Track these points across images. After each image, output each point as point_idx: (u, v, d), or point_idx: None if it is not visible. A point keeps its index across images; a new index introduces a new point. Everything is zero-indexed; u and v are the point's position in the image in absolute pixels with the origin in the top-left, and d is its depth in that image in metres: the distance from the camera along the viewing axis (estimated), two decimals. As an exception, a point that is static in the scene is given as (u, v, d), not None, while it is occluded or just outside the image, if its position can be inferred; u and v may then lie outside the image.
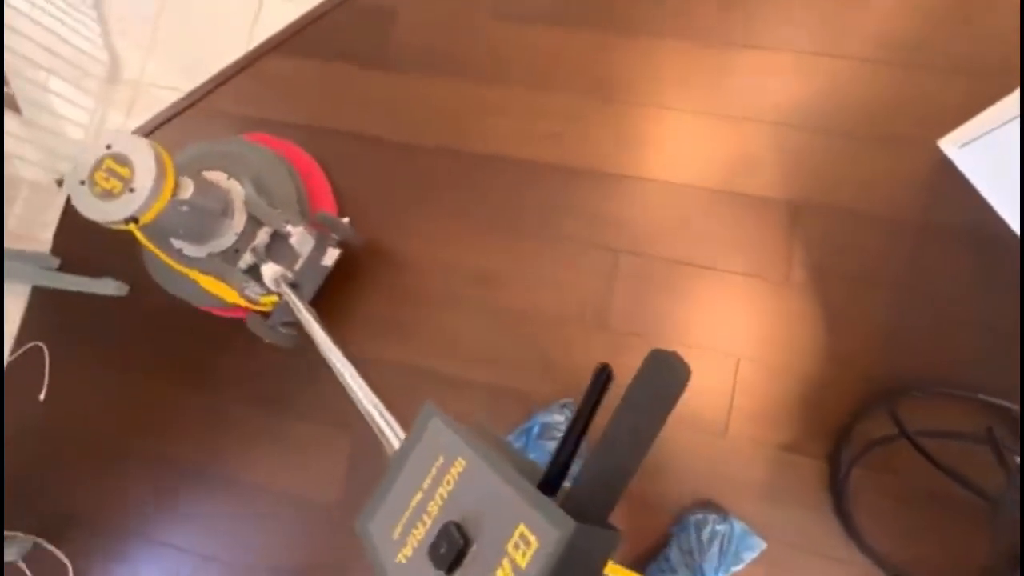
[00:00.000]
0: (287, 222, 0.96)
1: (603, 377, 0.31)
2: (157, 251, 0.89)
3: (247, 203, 0.98)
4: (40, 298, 1.22)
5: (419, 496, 0.31)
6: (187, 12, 1.31)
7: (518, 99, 1.15)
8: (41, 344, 1.20)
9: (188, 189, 0.87)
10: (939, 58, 1.03)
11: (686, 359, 1.05)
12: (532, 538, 0.26)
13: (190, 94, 1.25)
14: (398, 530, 0.31)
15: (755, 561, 0.93)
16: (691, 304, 1.03)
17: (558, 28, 1.16)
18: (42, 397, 1.18)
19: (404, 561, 0.30)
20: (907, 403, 0.92)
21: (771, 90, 1.07)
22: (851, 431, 0.93)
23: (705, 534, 0.91)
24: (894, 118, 1.03)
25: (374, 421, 0.51)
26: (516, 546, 0.26)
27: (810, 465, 0.96)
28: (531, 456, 0.97)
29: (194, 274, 0.92)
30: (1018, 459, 0.68)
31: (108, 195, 0.80)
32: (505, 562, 0.26)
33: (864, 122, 1.04)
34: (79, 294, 1.16)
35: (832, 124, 1.05)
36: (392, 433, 0.48)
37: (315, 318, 0.75)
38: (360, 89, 1.21)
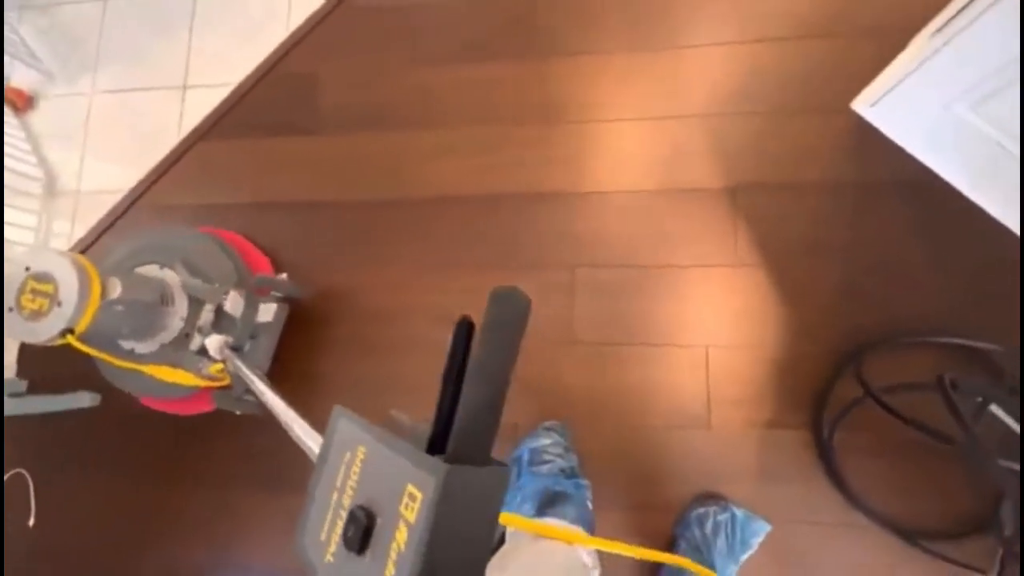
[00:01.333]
0: (226, 294, 0.98)
1: (464, 328, 0.32)
2: (104, 357, 0.89)
3: (184, 286, 0.99)
4: (13, 425, 1.21)
5: (335, 495, 0.32)
6: (114, 114, 1.33)
7: (453, 139, 1.18)
8: (22, 471, 1.18)
9: (116, 289, 0.88)
10: (845, 27, 1.07)
11: (656, 359, 1.07)
12: (417, 493, 0.27)
13: (131, 192, 1.26)
14: (323, 532, 0.32)
15: (763, 543, 0.93)
16: (652, 304, 1.04)
17: (479, 64, 1.20)
18: (31, 523, 1.16)
19: (331, 559, 0.31)
20: (874, 359, 0.94)
21: (693, 85, 1.11)
22: (827, 397, 0.95)
23: (708, 527, 0.92)
24: (810, 90, 1.07)
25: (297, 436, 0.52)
26: (406, 506, 0.27)
27: (796, 437, 0.97)
28: (528, 486, 0.97)
29: (149, 368, 0.92)
30: (979, 399, 0.70)
31: (37, 315, 0.81)
32: (400, 524, 0.27)
33: (784, 98, 1.07)
34: (54, 414, 1.15)
35: (754, 106, 1.08)
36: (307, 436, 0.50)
37: (258, 375, 0.75)
38: (297, 157, 1.23)
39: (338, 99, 1.24)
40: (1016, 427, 0.71)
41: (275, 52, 1.26)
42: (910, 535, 0.89)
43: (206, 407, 1.06)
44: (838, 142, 1.04)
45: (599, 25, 1.16)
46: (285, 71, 1.26)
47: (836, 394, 0.95)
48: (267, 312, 1.04)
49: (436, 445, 0.30)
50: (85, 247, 1.27)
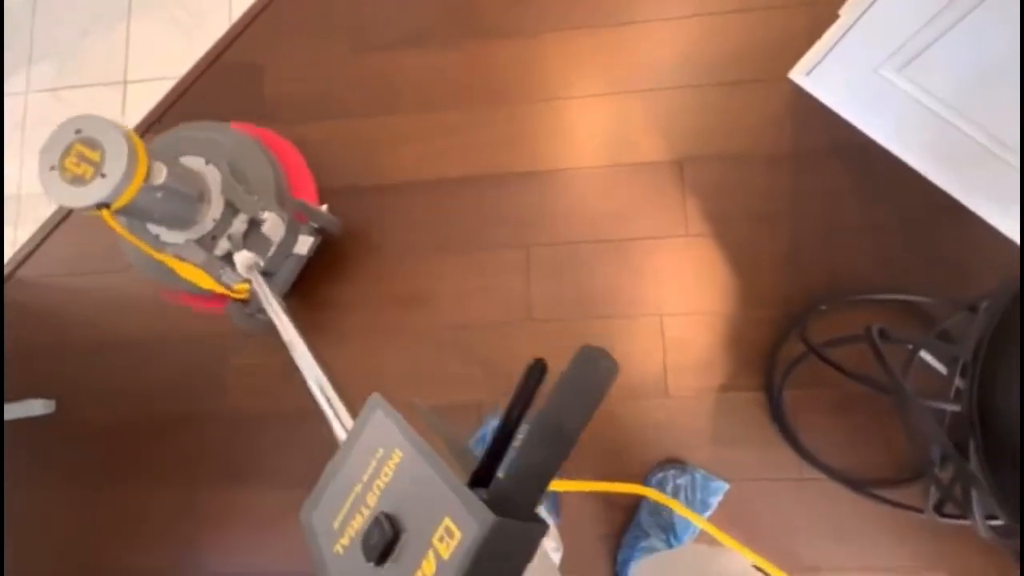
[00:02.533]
0: (263, 209, 0.95)
1: (536, 372, 0.32)
2: (130, 238, 0.86)
3: (223, 189, 0.96)
4: (-36, 437, 1.18)
5: (359, 488, 0.31)
6: (52, 113, 1.28)
7: (402, 125, 1.17)
8: (-25, 483, 1.15)
9: (161, 175, 0.84)
10: (781, -1, 1.10)
11: (612, 331, 1.08)
12: (456, 531, 0.26)
13: (74, 194, 1.22)
14: (338, 520, 0.31)
15: (722, 502, 0.96)
16: (606, 278, 1.06)
17: (423, 49, 1.19)
18: (-11, 537, 1.13)
19: (341, 552, 0.31)
20: (819, 319, 0.98)
21: (635, 61, 1.12)
22: (776, 357, 0.98)
23: (668, 490, 0.94)
24: (750, 61, 1.09)
25: (326, 410, 0.52)
26: (441, 538, 0.27)
27: (749, 399, 1.00)
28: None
29: (170, 261, 0.89)
30: (910, 347, 0.73)
31: (79, 180, 0.78)
32: (430, 554, 0.27)
33: (724, 71, 1.09)
34: (6, 423, 1.12)
35: (696, 79, 1.10)
36: (341, 425, 0.49)
37: (282, 306, 0.74)
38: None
39: (284, 89, 1.22)
40: (943, 370, 0.75)
41: (218, 43, 1.23)
42: (860, 485, 0.93)
43: (218, 310, 1.02)
44: (778, 111, 1.07)
45: (539, 6, 1.17)
46: (229, 62, 1.24)
47: (784, 355, 0.99)
48: (304, 244, 1.01)
49: (480, 479, 0.29)
50: (29, 252, 1.23)
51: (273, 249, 0.97)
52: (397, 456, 0.31)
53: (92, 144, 0.79)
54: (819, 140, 1.05)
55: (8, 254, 1.23)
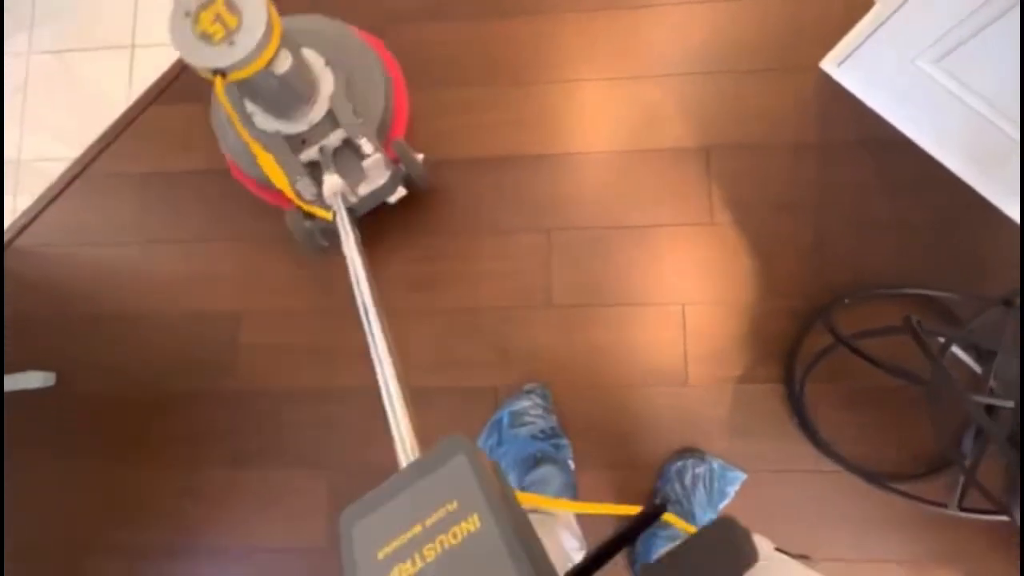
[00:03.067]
0: (363, 135, 0.91)
1: (654, 513, 0.31)
2: (230, 111, 0.84)
3: (333, 97, 0.92)
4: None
5: (418, 530, 0.28)
6: (55, 76, 1.23)
7: (420, 101, 1.14)
8: (-29, 457, 1.11)
9: (285, 64, 0.81)
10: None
11: (633, 319, 1.07)
12: None
13: (77, 162, 1.18)
14: (383, 551, 0.28)
15: (739, 492, 0.96)
16: (627, 265, 1.04)
17: (443, 23, 1.16)
18: (-15, 512, 1.10)
19: None
20: (842, 312, 0.97)
21: (663, 44, 1.10)
22: (798, 350, 0.97)
23: (687, 479, 0.94)
24: (780, 49, 1.07)
25: (377, 367, 0.48)
26: None
27: (769, 390, 1.00)
28: (504, 447, 0.97)
29: (256, 146, 0.87)
30: (942, 340, 0.73)
31: (206, 38, 0.74)
32: None
33: (754, 58, 1.08)
34: (5, 395, 1.08)
35: (726, 65, 1.08)
36: (387, 389, 0.46)
37: (360, 252, 0.69)
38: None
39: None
40: (974, 365, 0.74)
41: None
42: (877, 477, 0.93)
43: (285, 206, 0.97)
44: (808, 102, 1.05)
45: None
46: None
47: (806, 347, 0.98)
48: (398, 195, 0.97)
49: None
50: (28, 220, 1.19)
51: (367, 189, 0.93)
52: (473, 523, 0.27)
53: (234, 8, 0.74)
54: (848, 132, 1.04)
55: (7, 222, 1.19)
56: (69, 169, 1.18)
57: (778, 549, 0.50)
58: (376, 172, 0.93)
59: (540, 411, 0.98)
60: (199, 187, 1.16)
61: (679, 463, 0.95)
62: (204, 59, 0.74)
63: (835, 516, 0.97)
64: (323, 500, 1.06)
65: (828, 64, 1.03)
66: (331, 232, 0.91)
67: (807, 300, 1.00)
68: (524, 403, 0.99)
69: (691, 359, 1.02)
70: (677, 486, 0.94)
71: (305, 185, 0.90)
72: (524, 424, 0.97)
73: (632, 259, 1.05)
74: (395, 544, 0.28)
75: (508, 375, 1.04)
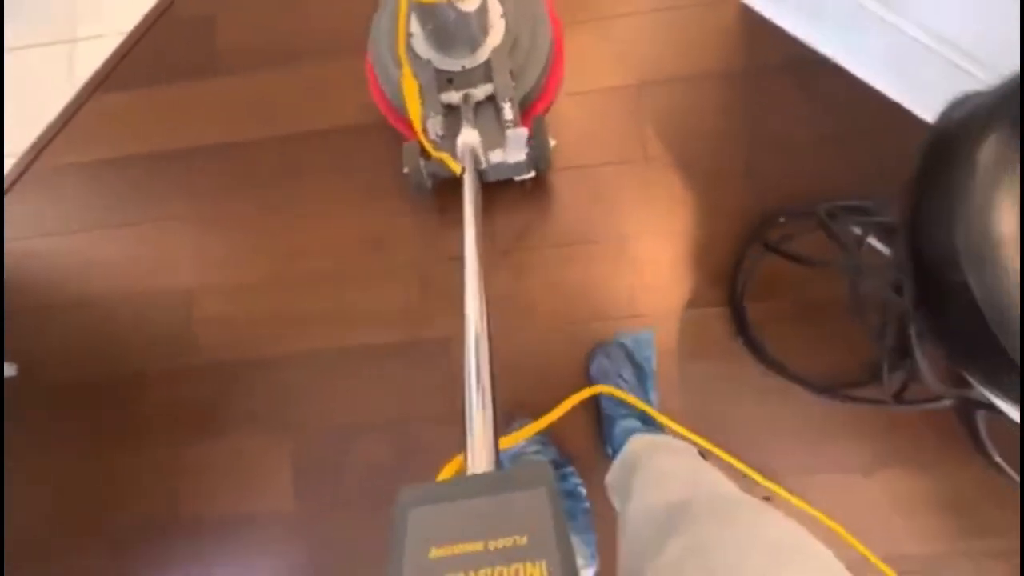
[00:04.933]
0: (509, 100, 0.88)
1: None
2: (401, 25, 0.85)
3: (495, 52, 0.89)
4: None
5: (479, 547, 0.26)
6: (-3, 76, 1.25)
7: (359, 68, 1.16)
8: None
9: (473, 4, 0.80)
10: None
11: (577, 256, 1.08)
12: None
13: (23, 156, 1.20)
14: (437, 552, 0.26)
15: (688, 413, 0.97)
16: (568, 205, 1.07)
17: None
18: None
19: None
20: (779, 230, 0.99)
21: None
22: (738, 271, 1.00)
23: (611, 372, 0.95)
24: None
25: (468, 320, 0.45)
26: None
27: (715, 313, 1.02)
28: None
29: (407, 68, 0.87)
30: (858, 231, 0.75)
31: None
32: None
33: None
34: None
35: (647, 5, 1.11)
36: (475, 348, 0.42)
37: (479, 218, 0.67)
38: (198, 102, 1.19)
39: (238, 38, 1.20)
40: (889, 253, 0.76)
41: (166, -4, 1.21)
42: (821, 387, 0.95)
43: (406, 133, 0.95)
44: (729, 31, 1.08)
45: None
46: (180, 14, 1.22)
47: (746, 268, 1.00)
48: (528, 175, 0.94)
49: None
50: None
51: (499, 157, 0.89)
52: (539, 571, 0.25)
53: None
54: (771, 57, 1.06)
55: (-41, 222, 1.20)
56: (16, 164, 1.20)
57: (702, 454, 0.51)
58: (516, 145, 0.89)
59: (538, 446, 0.96)
60: (144, 171, 1.18)
61: (594, 363, 0.97)
62: None
63: (787, 431, 0.99)
64: (287, 464, 1.07)
65: (745, -6, 1.07)
66: (439, 178, 0.91)
67: (745, 223, 1.03)
68: (520, 443, 0.96)
69: (638, 290, 1.04)
70: (603, 378, 0.95)
71: (435, 124, 0.88)
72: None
73: (572, 199, 1.07)
74: (452, 550, 0.26)
75: (458, 325, 1.06)
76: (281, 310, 1.11)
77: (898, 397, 0.87)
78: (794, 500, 0.90)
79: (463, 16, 0.81)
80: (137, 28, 1.21)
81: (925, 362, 0.58)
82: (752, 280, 0.99)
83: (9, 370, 1.13)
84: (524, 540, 0.26)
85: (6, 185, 1.19)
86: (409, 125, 0.90)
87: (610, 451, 0.94)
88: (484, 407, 0.39)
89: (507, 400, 1.03)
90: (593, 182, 1.07)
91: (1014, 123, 0.46)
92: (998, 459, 0.92)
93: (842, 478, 0.96)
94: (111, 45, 1.20)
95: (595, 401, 0.98)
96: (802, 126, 1.04)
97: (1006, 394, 0.52)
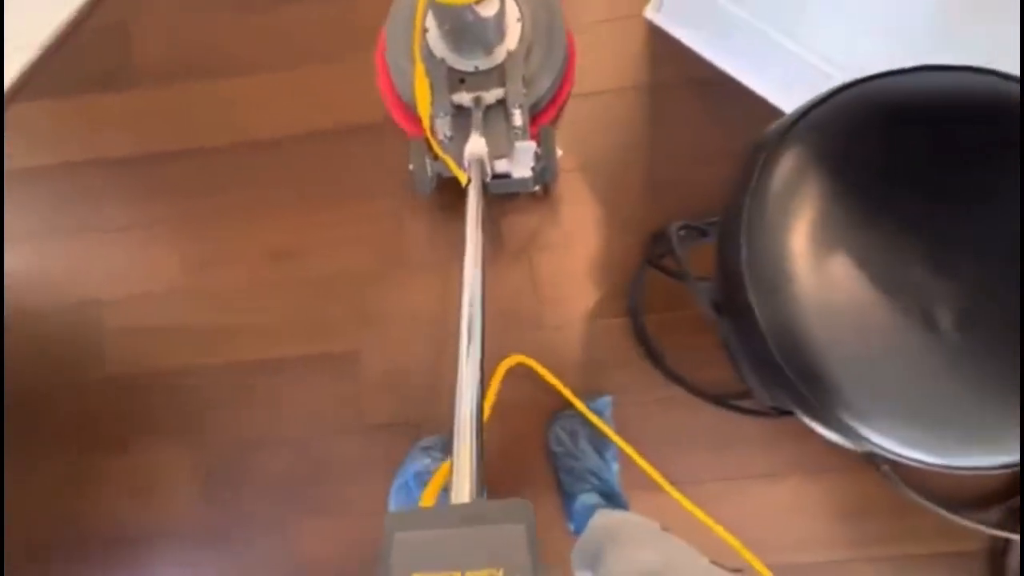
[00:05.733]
0: (520, 106, 0.88)
1: None
2: (418, 27, 0.84)
3: (510, 57, 0.89)
4: None
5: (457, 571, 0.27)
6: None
7: (274, 81, 1.17)
8: None
9: (492, 8, 0.79)
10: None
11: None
12: None
13: (-64, 166, 1.18)
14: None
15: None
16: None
17: (295, 4, 1.19)
18: None
19: None
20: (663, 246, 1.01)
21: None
22: (637, 283, 1.01)
23: (567, 442, 0.95)
24: (606, 1, 1.12)
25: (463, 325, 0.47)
26: None
27: (619, 324, 1.03)
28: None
29: (419, 66, 0.86)
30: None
31: None
32: None
33: (584, 12, 1.11)
34: None
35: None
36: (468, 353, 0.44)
37: (481, 233, 0.68)
38: (112, 112, 1.18)
39: (154, 49, 1.20)
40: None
41: (83, 6, 1.20)
42: (716, 398, 0.97)
43: (407, 129, 0.96)
44: (635, 48, 1.10)
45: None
46: (95, 25, 1.21)
47: (641, 279, 1.02)
48: (531, 188, 0.95)
49: None
50: None
51: (506, 168, 0.90)
52: None
53: None
54: (675, 73, 1.09)
55: None
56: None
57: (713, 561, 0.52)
58: (524, 158, 0.89)
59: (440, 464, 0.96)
60: (59, 181, 1.17)
61: (550, 438, 0.98)
62: None
63: (689, 439, 1.00)
64: (193, 476, 1.06)
65: (650, 12, 1.09)
66: (442, 181, 0.91)
67: (647, 235, 1.04)
68: (424, 460, 0.96)
69: (545, 302, 1.05)
70: (565, 457, 0.95)
71: (444, 124, 0.88)
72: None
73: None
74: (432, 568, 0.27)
75: (371, 339, 1.06)
76: (191, 322, 1.11)
77: (781, 412, 0.89)
78: (688, 506, 0.92)
79: (481, 19, 0.81)
80: (54, 39, 1.20)
81: (750, 374, 0.59)
82: (648, 292, 1.01)
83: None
84: (500, 574, 0.27)
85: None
86: (416, 122, 0.90)
87: (572, 527, 0.94)
88: (472, 442, 0.41)
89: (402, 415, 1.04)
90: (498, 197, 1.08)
91: (804, 147, 0.48)
92: (885, 468, 0.94)
93: (744, 485, 0.98)
94: (27, 57, 1.20)
95: (556, 479, 0.99)
96: (704, 141, 1.06)
97: (803, 412, 0.53)
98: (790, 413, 0.88)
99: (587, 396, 1.00)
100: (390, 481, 1.01)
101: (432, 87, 0.87)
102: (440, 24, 0.88)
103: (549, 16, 0.94)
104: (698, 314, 1.01)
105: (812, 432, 0.99)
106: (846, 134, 0.49)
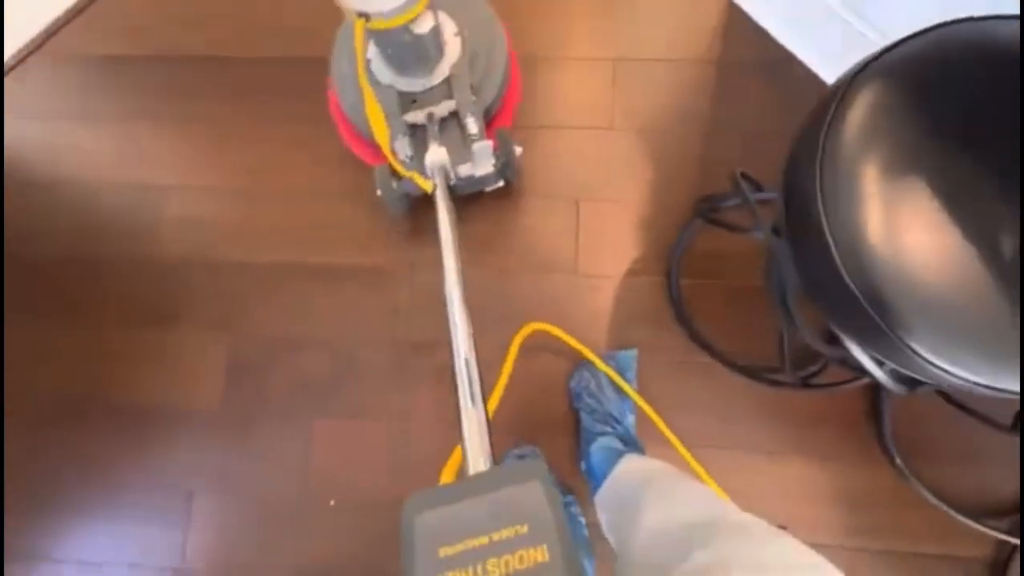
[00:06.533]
0: (473, 114, 0.91)
1: None
2: (359, 52, 0.83)
3: (454, 69, 0.92)
4: None
5: (484, 542, 0.28)
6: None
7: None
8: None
9: (426, 26, 0.81)
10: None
11: (532, 208, 1.12)
12: None
13: (34, 38, 1.25)
14: (445, 551, 0.28)
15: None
16: (532, 159, 1.10)
17: None
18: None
19: None
20: (727, 212, 1.03)
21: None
22: (677, 243, 1.03)
23: (592, 387, 0.97)
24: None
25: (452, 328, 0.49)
26: None
27: (652, 283, 1.05)
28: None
29: (369, 95, 0.86)
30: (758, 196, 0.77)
31: None
32: None
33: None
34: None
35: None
36: (460, 349, 0.46)
37: (455, 232, 0.69)
38: (199, 10, 1.24)
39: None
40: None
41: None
42: (738, 366, 0.98)
43: (370, 160, 0.98)
44: (711, 23, 1.13)
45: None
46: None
47: (684, 242, 1.03)
48: (496, 185, 0.96)
49: None
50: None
51: (467, 172, 0.92)
52: (542, 553, 0.27)
53: None
54: (745, 52, 1.11)
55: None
56: (24, 46, 1.26)
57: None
58: (483, 158, 0.91)
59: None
60: (146, 72, 1.23)
61: (573, 379, 1.00)
62: (354, 1, 0.76)
63: (701, 404, 1.01)
64: (221, 365, 1.10)
65: (732, -11, 1.11)
66: (413, 197, 0.94)
67: (692, 201, 1.06)
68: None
69: (582, 250, 1.07)
70: (588, 399, 0.97)
71: (403, 145, 0.90)
72: None
73: (534, 156, 1.11)
74: (459, 547, 0.28)
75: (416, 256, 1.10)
76: (247, 222, 1.15)
77: (805, 382, 0.90)
78: (695, 466, 0.92)
79: (418, 38, 0.84)
80: None
81: (800, 314, 0.61)
82: (687, 257, 1.02)
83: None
84: (525, 529, 0.28)
85: (7, 64, 1.25)
86: (376, 151, 0.92)
87: (583, 466, 0.95)
88: (476, 411, 0.42)
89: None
90: (557, 142, 1.11)
91: (887, 80, 0.50)
92: (899, 462, 0.94)
93: (744, 457, 0.99)
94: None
95: (576, 418, 1.00)
96: (764, 121, 1.08)
97: (862, 344, 0.55)
98: (814, 385, 0.89)
99: (612, 347, 1.02)
100: (411, 394, 1.04)
101: (385, 113, 0.89)
102: (382, 51, 0.91)
103: (485, 23, 0.97)
104: (728, 286, 1.04)
105: (826, 415, 0.99)
106: (935, 69, 0.50)
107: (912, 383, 0.57)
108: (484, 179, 0.94)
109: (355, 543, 1.01)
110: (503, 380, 0.62)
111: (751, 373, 0.97)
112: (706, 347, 1.00)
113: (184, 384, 1.11)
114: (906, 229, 0.48)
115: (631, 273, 1.06)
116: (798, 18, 1.05)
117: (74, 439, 1.11)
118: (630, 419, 0.98)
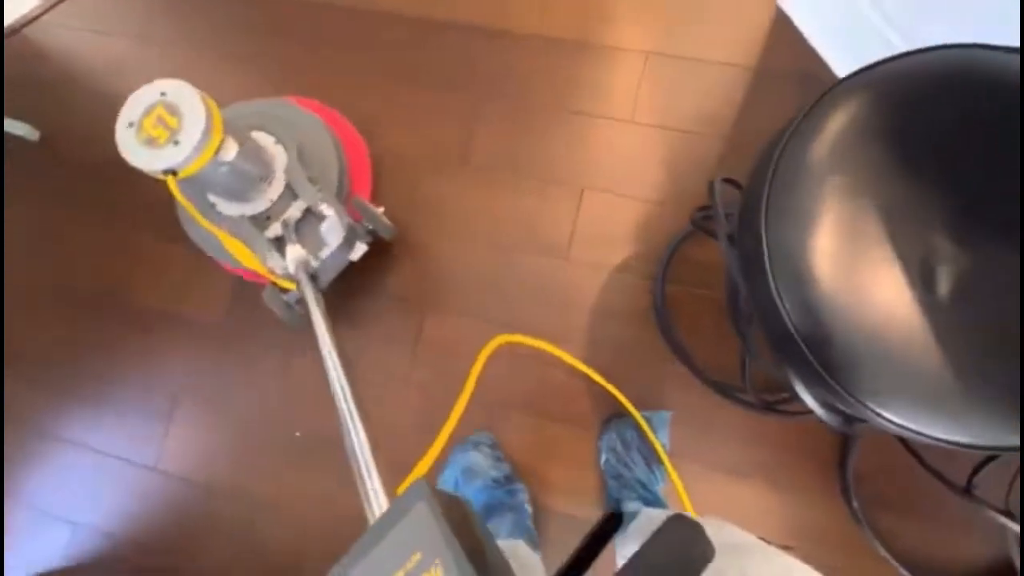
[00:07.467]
0: (322, 201, 0.94)
1: (610, 525, 0.33)
2: (188, 206, 0.86)
3: (288, 172, 0.96)
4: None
5: None
6: None
7: None
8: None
9: (231, 152, 0.84)
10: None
11: (534, 189, 1.13)
12: None
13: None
14: None
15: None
16: (545, 142, 1.10)
17: None
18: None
19: None
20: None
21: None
22: (673, 250, 1.01)
23: (619, 447, 0.95)
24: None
25: (345, 422, 0.51)
26: None
27: (641, 284, 1.04)
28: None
29: (222, 234, 0.89)
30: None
31: (152, 143, 0.79)
32: None
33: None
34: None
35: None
36: (358, 443, 0.46)
37: (324, 317, 0.73)
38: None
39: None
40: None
41: None
42: (713, 383, 0.96)
43: (262, 281, 1.00)
44: (758, 29, 1.08)
45: None
46: None
47: (673, 250, 1.02)
48: (358, 251, 0.98)
49: None
50: (54, 2, 1.34)
51: (327, 252, 0.95)
52: (438, 570, 0.28)
53: (173, 110, 0.79)
54: (785, 64, 1.06)
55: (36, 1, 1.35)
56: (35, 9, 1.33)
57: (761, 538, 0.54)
58: (332, 233, 0.94)
59: (491, 461, 0.98)
60: (208, 4, 1.29)
61: (605, 436, 0.98)
62: (154, 162, 0.78)
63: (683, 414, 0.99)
64: (225, 290, 1.17)
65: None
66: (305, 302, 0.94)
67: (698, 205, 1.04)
68: (475, 456, 0.98)
69: (577, 238, 1.07)
70: (613, 459, 0.95)
71: (276, 260, 0.92)
72: (477, 476, 0.96)
73: (550, 137, 1.11)
74: None
75: (414, 222, 1.12)
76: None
77: (771, 407, 0.88)
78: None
79: (234, 165, 0.86)
80: None
81: (751, 330, 0.60)
82: (680, 265, 1.01)
83: (31, 132, 1.27)
84: (419, 555, 0.29)
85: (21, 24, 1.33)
86: (263, 276, 0.94)
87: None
88: (368, 471, 0.45)
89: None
90: (574, 128, 1.10)
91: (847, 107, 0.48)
92: (856, 505, 0.91)
93: (703, 472, 0.97)
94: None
95: (603, 482, 0.99)
96: (790, 137, 1.03)
97: (790, 366, 0.53)
98: (781, 411, 0.87)
99: (642, 406, 0.94)
100: (387, 348, 1.08)
101: (246, 242, 0.91)
102: (213, 190, 0.95)
103: (291, 116, 1.02)
104: (719, 296, 1.01)
105: (796, 444, 0.96)
106: (905, 95, 0.49)
107: (847, 418, 0.56)
108: (341, 251, 0.96)
109: (308, 478, 1.07)
110: (465, 396, 0.65)
111: (721, 389, 0.95)
112: (682, 356, 0.99)
113: (189, 297, 1.18)
114: (844, 253, 0.47)
115: (621, 269, 1.05)
116: (846, 36, 1.00)
117: (86, 327, 1.21)
118: (659, 487, 0.94)
